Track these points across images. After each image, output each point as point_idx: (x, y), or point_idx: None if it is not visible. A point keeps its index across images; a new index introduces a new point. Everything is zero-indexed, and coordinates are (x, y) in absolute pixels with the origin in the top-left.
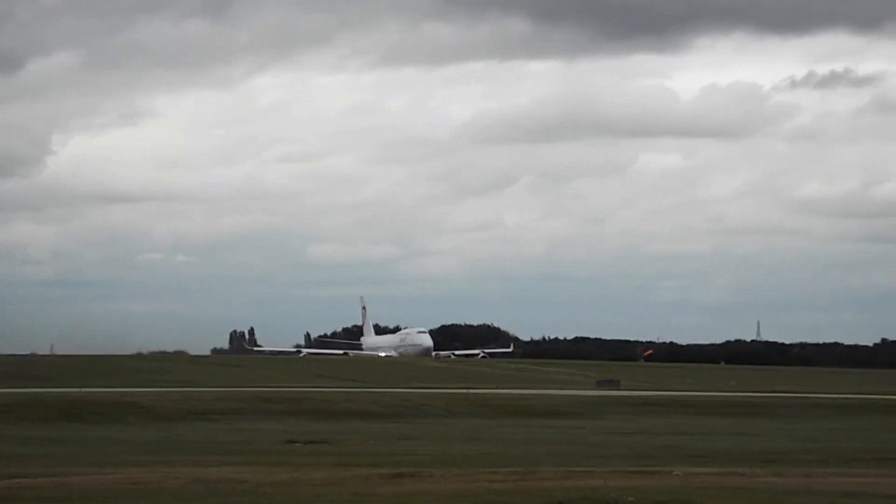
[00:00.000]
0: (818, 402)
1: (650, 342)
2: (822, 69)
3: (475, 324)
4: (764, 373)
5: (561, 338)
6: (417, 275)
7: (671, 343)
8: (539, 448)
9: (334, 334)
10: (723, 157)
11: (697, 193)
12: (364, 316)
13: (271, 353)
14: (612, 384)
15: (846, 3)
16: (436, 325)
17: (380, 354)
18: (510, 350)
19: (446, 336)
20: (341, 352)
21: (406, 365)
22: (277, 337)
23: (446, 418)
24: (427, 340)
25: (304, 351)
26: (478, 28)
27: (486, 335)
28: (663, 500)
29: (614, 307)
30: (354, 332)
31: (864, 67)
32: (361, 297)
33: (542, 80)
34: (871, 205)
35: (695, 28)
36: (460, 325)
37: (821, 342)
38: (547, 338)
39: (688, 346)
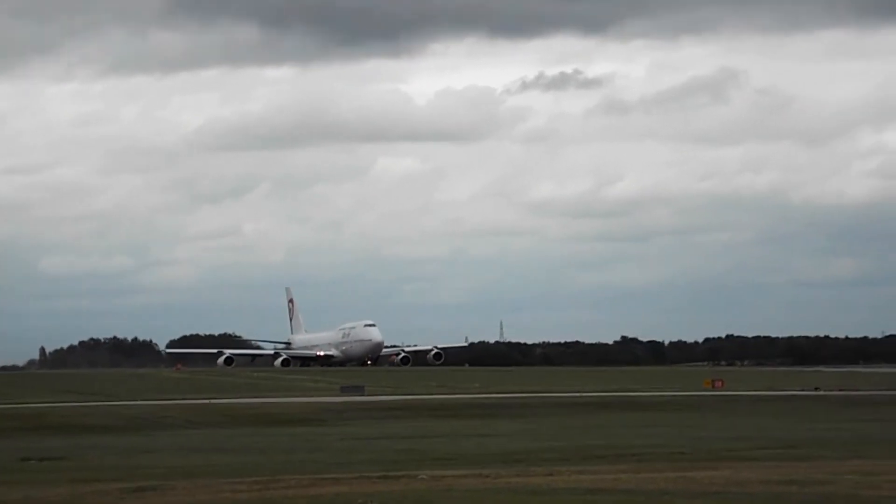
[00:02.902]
0: (559, 401)
1: (392, 346)
2: (552, 71)
3: (216, 333)
4: (507, 373)
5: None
6: (155, 285)
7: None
8: (283, 456)
9: (71, 348)
10: (459, 160)
11: (435, 197)
12: (292, 310)
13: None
14: (357, 390)
15: (574, 6)
16: (176, 336)
17: (318, 354)
18: (466, 345)
19: (187, 346)
20: (272, 351)
21: (147, 377)
22: (11, 352)
23: (188, 429)
24: (377, 335)
25: (227, 352)
26: (208, 35)
27: (228, 345)
28: None
29: (355, 311)
30: (91, 346)
31: (594, 69)
32: (288, 289)
33: (276, 87)
34: (603, 204)
35: (428, 33)
36: (201, 336)
37: (562, 341)
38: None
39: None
